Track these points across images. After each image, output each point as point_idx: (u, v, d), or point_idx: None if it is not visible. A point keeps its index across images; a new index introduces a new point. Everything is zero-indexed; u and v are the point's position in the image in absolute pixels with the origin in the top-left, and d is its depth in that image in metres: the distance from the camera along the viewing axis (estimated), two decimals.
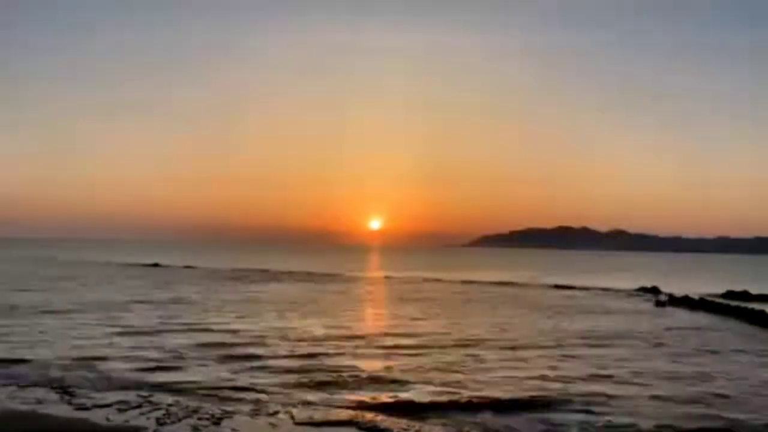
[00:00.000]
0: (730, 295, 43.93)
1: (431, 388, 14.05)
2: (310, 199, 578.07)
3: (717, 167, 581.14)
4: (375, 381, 14.68)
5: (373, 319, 28.95)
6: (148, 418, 11.30)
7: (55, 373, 14.62)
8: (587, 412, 12.42)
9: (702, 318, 30.98)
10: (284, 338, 20.74)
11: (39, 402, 12.28)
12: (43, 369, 15.05)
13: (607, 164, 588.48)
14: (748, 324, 28.24)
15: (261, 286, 45.61)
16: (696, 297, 38.86)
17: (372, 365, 16.55)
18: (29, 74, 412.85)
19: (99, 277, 50.36)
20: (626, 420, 11.91)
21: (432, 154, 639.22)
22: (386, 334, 22.33)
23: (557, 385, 14.58)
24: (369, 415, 11.88)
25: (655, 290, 47.47)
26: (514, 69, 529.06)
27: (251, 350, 18.30)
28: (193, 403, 12.32)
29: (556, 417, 12.08)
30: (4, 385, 13.48)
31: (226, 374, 15.06)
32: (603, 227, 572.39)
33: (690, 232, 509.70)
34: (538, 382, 14.86)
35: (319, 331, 22.53)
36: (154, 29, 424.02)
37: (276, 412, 11.94)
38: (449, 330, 23.88)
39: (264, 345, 19.36)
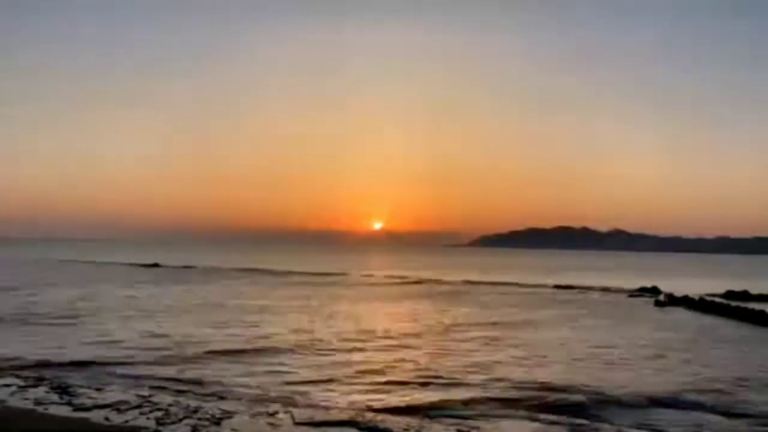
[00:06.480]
0: (730, 295, 43.93)
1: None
2: (310, 199, 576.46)
3: (717, 167, 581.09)
4: None
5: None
6: (148, 418, 11.29)
7: None
8: None
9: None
10: None
11: (39, 402, 12.28)
12: None
13: (607, 164, 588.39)
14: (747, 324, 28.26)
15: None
16: (696, 297, 38.86)
17: None
18: (29, 73, 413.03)
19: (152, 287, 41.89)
20: None
21: (432, 154, 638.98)
22: None
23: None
24: (369, 415, 11.88)
25: (655, 290, 47.48)
26: (514, 69, 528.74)
27: None
28: (193, 403, 12.32)
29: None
30: (5, 385, 13.50)
31: None
32: (603, 227, 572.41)
33: (690, 232, 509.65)
34: None
35: None
36: (153, 28, 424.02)
37: (276, 412, 11.95)
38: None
39: None
